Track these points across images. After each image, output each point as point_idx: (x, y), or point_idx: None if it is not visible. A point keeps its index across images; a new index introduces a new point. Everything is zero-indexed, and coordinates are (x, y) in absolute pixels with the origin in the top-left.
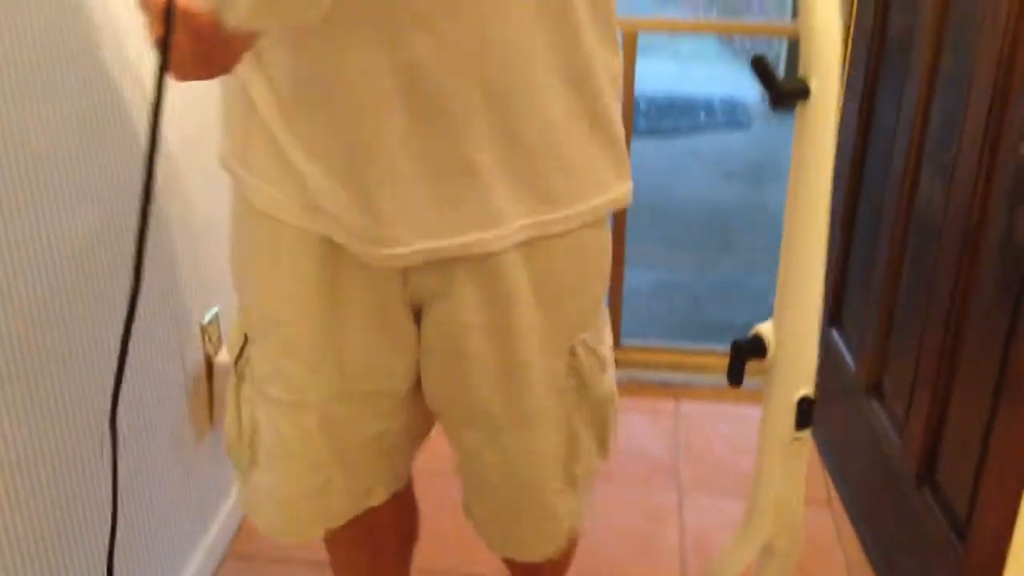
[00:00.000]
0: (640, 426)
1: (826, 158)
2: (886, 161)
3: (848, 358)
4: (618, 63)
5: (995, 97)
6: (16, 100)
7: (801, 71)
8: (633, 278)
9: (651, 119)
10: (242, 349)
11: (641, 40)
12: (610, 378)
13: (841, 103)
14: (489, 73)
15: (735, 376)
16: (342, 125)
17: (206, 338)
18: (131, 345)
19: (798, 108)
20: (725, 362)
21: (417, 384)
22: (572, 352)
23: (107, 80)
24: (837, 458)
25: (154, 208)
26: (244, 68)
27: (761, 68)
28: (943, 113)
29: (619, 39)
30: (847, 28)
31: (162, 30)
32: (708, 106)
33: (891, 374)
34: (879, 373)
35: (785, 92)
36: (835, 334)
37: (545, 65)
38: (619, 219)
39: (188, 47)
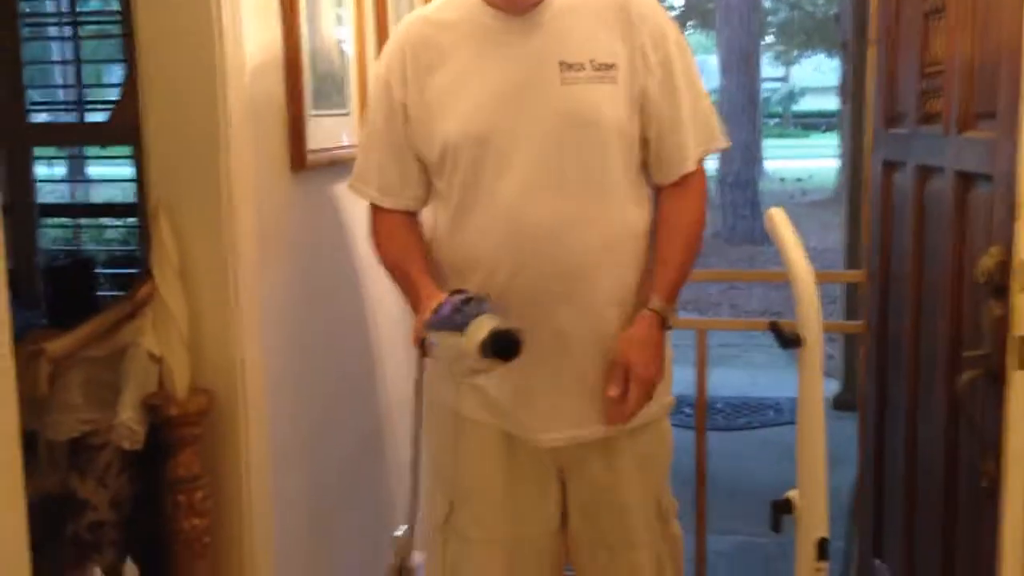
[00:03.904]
0: None
1: (818, 381)
2: (895, 425)
3: None
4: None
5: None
6: None
7: (798, 329)
8: (715, 543)
9: (728, 418)
10: (448, 514)
11: (718, 352)
12: (677, 524)
13: (865, 414)
14: (597, 334)
15: (775, 525)
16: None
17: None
18: (342, 545)
19: (799, 351)
20: None
21: (559, 528)
22: (658, 503)
23: None
24: None
25: (378, 441)
26: None
27: (775, 327)
28: (923, 378)
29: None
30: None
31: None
32: (776, 405)
33: None
34: None
35: (790, 340)
36: (877, 563)
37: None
38: (699, 497)
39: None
